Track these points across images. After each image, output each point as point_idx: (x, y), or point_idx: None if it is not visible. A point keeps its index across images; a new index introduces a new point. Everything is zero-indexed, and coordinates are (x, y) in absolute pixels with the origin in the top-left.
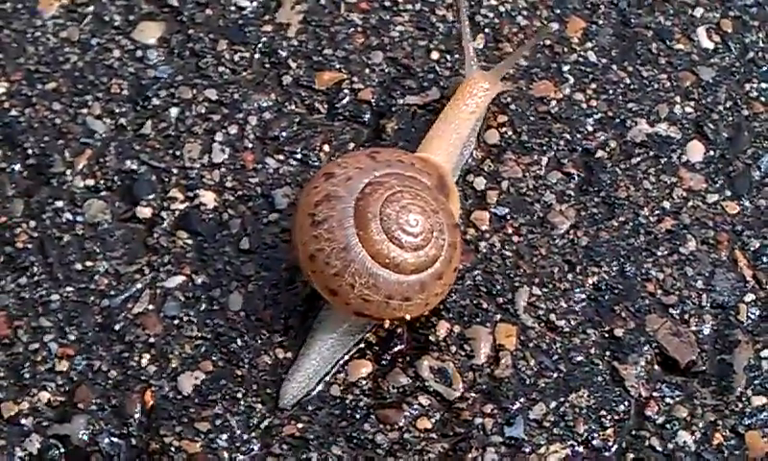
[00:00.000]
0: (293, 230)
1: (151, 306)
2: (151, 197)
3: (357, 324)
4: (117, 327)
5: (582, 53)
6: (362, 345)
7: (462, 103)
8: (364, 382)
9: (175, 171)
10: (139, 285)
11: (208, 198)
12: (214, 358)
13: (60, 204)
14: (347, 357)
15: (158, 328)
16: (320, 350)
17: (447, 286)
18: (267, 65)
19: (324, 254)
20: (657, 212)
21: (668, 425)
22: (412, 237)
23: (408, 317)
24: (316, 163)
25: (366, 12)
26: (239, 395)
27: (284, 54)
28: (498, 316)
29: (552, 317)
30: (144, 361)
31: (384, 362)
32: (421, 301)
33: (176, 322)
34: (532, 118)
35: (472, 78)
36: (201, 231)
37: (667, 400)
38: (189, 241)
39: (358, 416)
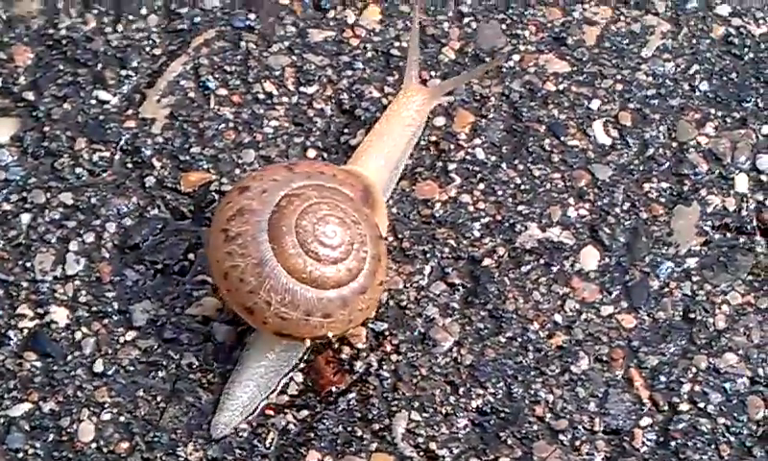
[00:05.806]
0: (206, 248)
1: None
2: None
3: (290, 346)
4: None
5: (470, 150)
6: None
7: (395, 115)
8: None
9: (24, 284)
10: None
11: (60, 315)
12: None
13: None
14: (285, 380)
15: None
16: (252, 376)
17: (372, 301)
18: (129, 166)
19: (237, 270)
20: (547, 327)
21: None
22: (330, 250)
23: (331, 335)
24: (178, 276)
25: (238, 105)
26: None
27: (148, 153)
28: (374, 445)
29: (432, 445)
30: None
31: None
32: (344, 317)
33: (20, 455)
34: (415, 223)
35: (410, 91)
36: (51, 353)
37: None
38: (38, 364)
39: None
